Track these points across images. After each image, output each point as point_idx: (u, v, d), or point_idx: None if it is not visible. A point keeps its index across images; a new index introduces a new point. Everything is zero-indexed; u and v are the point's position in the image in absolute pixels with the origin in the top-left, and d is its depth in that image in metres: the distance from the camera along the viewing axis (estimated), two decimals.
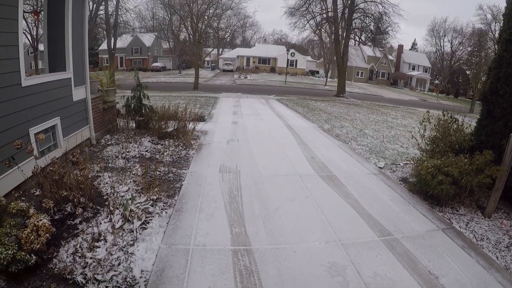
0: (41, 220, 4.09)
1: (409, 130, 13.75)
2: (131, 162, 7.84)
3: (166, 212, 5.53)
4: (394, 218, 5.88)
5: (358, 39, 36.09)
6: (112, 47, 34.34)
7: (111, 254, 4.31)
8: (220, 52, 72.84)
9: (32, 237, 3.85)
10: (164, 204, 5.80)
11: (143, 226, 5.04)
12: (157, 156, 8.36)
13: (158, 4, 41.64)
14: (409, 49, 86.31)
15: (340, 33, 31.87)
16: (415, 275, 4.29)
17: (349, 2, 31.04)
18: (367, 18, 32.28)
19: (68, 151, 6.57)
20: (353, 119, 17.16)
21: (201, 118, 13.22)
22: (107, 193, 5.94)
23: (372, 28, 32.63)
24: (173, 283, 3.86)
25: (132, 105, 10.32)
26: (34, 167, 5.02)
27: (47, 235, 4.08)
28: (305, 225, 5.41)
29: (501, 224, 6.12)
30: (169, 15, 37.04)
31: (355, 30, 33.22)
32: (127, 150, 8.51)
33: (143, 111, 10.38)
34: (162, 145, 9.29)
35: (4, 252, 3.53)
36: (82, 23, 8.21)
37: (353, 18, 31.80)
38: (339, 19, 31.69)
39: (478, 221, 6.12)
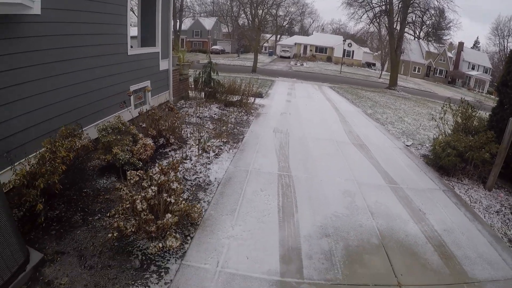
0: (147, 140, 6.31)
1: (431, 113, 14.83)
2: (203, 120, 10.02)
3: (232, 151, 7.66)
4: (405, 176, 7.57)
5: (414, 34, 36.37)
6: (178, 29, 37.07)
7: (195, 167, 6.50)
8: (278, 39, 74.00)
9: (142, 150, 6.01)
10: (231, 146, 7.92)
11: (216, 156, 7.18)
12: (224, 118, 10.49)
13: None
14: (471, 48, 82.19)
15: (394, 27, 32.49)
16: (407, 208, 6.00)
17: None
18: (427, 12, 32.59)
19: (152, 107, 8.81)
20: (397, 108, 18.46)
21: (259, 95, 15.23)
22: (187, 136, 8.10)
23: (429, 23, 32.84)
24: (236, 185, 5.94)
25: (203, 78, 12.61)
26: (140, 110, 7.35)
27: (151, 150, 6.27)
28: (333, 169, 7.34)
29: (498, 196, 7.47)
30: (229, 1, 38.95)
31: (410, 24, 33.61)
32: (200, 112, 10.74)
33: (212, 84, 12.63)
34: (227, 111, 11.48)
35: (124, 156, 5.60)
36: (168, 7, 10.37)
37: (408, 12, 32.25)
38: (394, 12, 32.33)
39: (477, 191, 7.51)
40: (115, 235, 3.64)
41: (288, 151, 8.11)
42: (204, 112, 10.89)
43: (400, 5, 32.02)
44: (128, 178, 3.98)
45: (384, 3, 32.76)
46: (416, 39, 38.78)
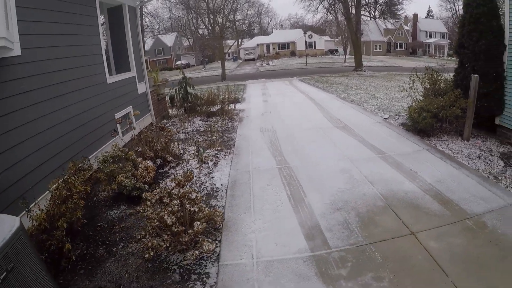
0: (148, 163, 6.63)
1: (401, 85, 15.51)
2: (190, 134, 10.35)
3: (228, 156, 8.04)
4: (390, 145, 8.13)
5: (370, 15, 37.55)
6: None
7: (199, 178, 6.84)
8: (240, 43, 74.85)
9: (144, 173, 6.30)
10: (225, 153, 8.29)
11: (215, 164, 7.54)
12: (209, 129, 10.83)
13: (174, 5, 44.06)
14: (425, 17, 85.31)
15: (350, 11, 33.49)
16: (399, 171, 6.57)
17: None
18: None
19: (141, 130, 9.04)
20: (367, 87, 19.14)
21: (236, 100, 15.61)
22: (180, 152, 8.40)
23: (382, 1, 34.03)
24: (243, 186, 6.33)
25: (181, 94, 12.95)
26: (132, 135, 7.68)
27: (153, 172, 6.59)
28: (324, 153, 7.82)
29: (475, 143, 8.23)
30: (185, 13, 39.32)
31: (364, 6, 34.73)
32: (185, 127, 11.06)
33: (189, 98, 12.97)
34: (211, 121, 11.84)
35: (130, 182, 5.84)
36: (137, 31, 10.64)
37: None
38: None
39: (457, 143, 8.22)
40: (151, 254, 3.88)
41: (280, 145, 8.53)
42: (188, 126, 11.22)
43: None
44: (150, 198, 4.25)
45: None
46: (373, 19, 39.96)
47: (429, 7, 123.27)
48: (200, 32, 44.31)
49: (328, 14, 37.31)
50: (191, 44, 73.50)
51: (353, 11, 33.76)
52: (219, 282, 3.80)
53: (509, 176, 6.25)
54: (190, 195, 4.29)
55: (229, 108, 13.04)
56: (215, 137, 9.61)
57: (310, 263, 4.01)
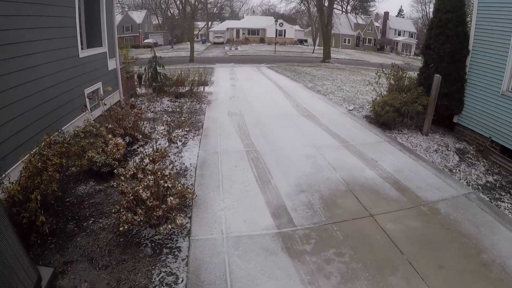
0: (118, 140, 6.66)
1: (367, 79, 16.18)
2: (158, 114, 10.35)
3: (196, 138, 8.15)
4: (353, 135, 8.54)
5: (342, 9, 38.21)
6: None
7: (168, 157, 6.93)
8: (210, 26, 74.09)
9: (114, 150, 6.32)
10: (194, 134, 8.40)
11: (183, 145, 7.64)
12: (178, 109, 10.85)
13: None
14: (396, 16, 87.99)
15: (323, 3, 33.93)
16: (361, 159, 6.99)
17: None
18: None
19: (110, 107, 8.99)
20: (334, 79, 19.61)
21: (204, 83, 15.59)
22: (149, 132, 8.44)
23: None
24: (211, 166, 6.49)
25: (150, 73, 12.83)
26: (102, 111, 7.63)
27: (123, 149, 6.63)
28: (290, 138, 8.12)
29: (434, 138, 8.80)
30: None
31: (338, 0, 35.33)
32: (154, 107, 11.04)
33: (158, 78, 12.88)
34: (179, 102, 11.83)
35: (100, 158, 5.87)
36: (112, 6, 10.37)
37: None
38: None
39: (416, 137, 8.79)
40: (125, 227, 3.97)
41: (247, 130, 8.73)
42: (157, 106, 11.19)
43: None
44: (124, 173, 4.34)
45: None
46: (345, 13, 40.67)
47: (401, 6, 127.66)
48: (171, 12, 43.41)
49: (302, 4, 37.61)
50: (160, 23, 71.85)
51: (326, 4, 34.21)
52: (191, 256, 3.97)
53: (463, 170, 6.82)
54: (163, 171, 4.42)
55: (198, 90, 13.06)
56: (183, 118, 9.66)
57: (277, 239, 4.27)
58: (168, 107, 11.26)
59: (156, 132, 8.39)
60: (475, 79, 8.47)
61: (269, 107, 11.44)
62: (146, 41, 62.33)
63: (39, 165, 4.17)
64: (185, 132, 8.36)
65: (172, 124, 8.84)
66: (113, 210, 4.22)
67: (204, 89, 13.52)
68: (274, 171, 6.27)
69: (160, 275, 3.70)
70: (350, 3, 37.07)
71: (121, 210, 4.08)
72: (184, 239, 4.29)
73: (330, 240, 4.29)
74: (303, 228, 4.52)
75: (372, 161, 6.88)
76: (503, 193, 5.95)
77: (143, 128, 8.18)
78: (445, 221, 4.84)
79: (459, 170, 6.87)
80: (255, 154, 7.06)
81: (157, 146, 7.41)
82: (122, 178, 4.31)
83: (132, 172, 4.39)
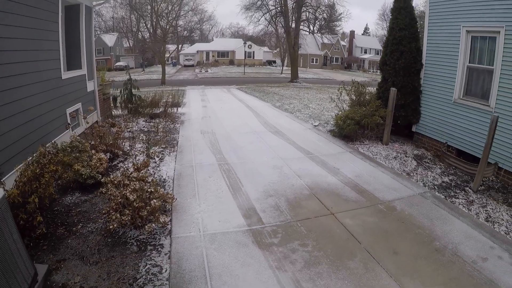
0: (101, 155, 7.19)
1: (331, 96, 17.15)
2: (135, 133, 10.84)
3: (172, 154, 8.72)
4: (318, 148, 9.34)
5: (309, 30, 39.89)
6: None
7: (148, 170, 7.46)
8: (180, 48, 74.80)
9: (98, 164, 6.85)
10: (170, 150, 8.96)
11: (161, 160, 8.20)
12: (153, 129, 11.39)
13: (119, 4, 43.57)
14: (362, 34, 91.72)
15: (290, 25, 35.40)
16: (324, 167, 7.76)
17: None
18: (318, 9, 36.22)
19: (87, 127, 9.41)
20: (301, 98, 20.62)
21: (177, 105, 16.16)
22: (128, 149, 8.96)
23: (321, 18, 36.51)
24: (187, 177, 7.09)
25: (125, 95, 13.37)
26: (85, 129, 8.13)
27: (106, 163, 7.16)
28: (259, 152, 8.83)
29: (393, 147, 9.68)
30: (129, 14, 39.02)
31: (304, 21, 36.96)
32: (130, 127, 11.53)
33: (133, 99, 13.42)
34: (154, 122, 12.37)
35: (85, 171, 6.39)
36: (90, 30, 10.86)
37: (302, 11, 35.51)
38: (289, 13, 35.32)
39: (377, 147, 9.65)
40: (115, 226, 4.52)
41: (219, 146, 9.37)
42: (133, 126, 11.68)
43: (294, 6, 34.98)
44: (112, 180, 4.92)
45: (279, 5, 35.54)
46: (311, 34, 42.37)
47: (367, 24, 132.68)
48: (142, 35, 43.99)
49: (269, 26, 39.02)
50: (131, 46, 72.07)
51: (293, 25, 35.67)
52: (173, 250, 4.53)
53: (420, 173, 7.72)
54: (147, 178, 5.01)
55: (172, 111, 13.67)
56: (158, 137, 10.21)
57: (248, 235, 4.92)
58: (144, 127, 11.78)
59: (134, 149, 8.89)
60: (429, 90, 9.51)
61: (239, 125, 12.14)
62: (117, 64, 62.22)
63: (37, 171, 4.68)
64: (162, 149, 8.93)
65: (150, 141, 9.39)
66: (103, 211, 4.77)
67: (177, 110, 14.17)
68: (244, 180, 6.93)
69: (146, 267, 4.23)
70: (317, 24, 38.65)
71: (111, 211, 4.62)
72: (166, 238, 4.84)
73: (295, 234, 4.97)
74: (271, 225, 5.19)
75: (334, 169, 7.66)
76: (457, 191, 6.79)
77: (122, 145, 8.69)
78: (400, 216, 5.61)
79: (416, 173, 7.74)
80: (227, 167, 7.70)
81: (136, 161, 7.93)
82: (109, 185, 4.88)
83: (119, 179, 4.95)
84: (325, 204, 5.91)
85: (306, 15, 37.14)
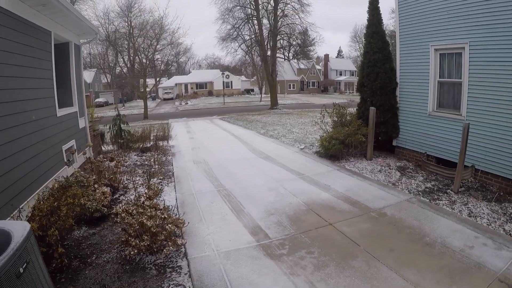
0: (104, 188, 7.54)
1: (315, 120, 17.88)
2: (129, 168, 11.19)
3: (171, 184, 9.11)
4: (307, 168, 9.90)
5: (284, 57, 41.24)
6: None
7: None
8: (158, 82, 75.45)
9: (102, 197, 7.20)
10: (167, 181, 9.34)
11: (161, 190, 8.56)
12: (146, 162, 11.76)
13: (95, 40, 44.02)
14: (336, 57, 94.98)
15: (267, 54, 36.63)
16: (316, 185, 8.32)
17: (272, 27, 36.16)
18: (292, 36, 37.73)
19: (83, 163, 9.73)
20: (284, 124, 21.39)
21: (165, 138, 16.59)
22: (126, 183, 9.29)
23: (296, 44, 37.98)
24: (190, 204, 7.47)
25: (115, 131, 13.73)
26: (86, 164, 8.48)
27: (109, 197, 7.50)
28: (253, 177, 9.32)
29: (377, 161, 10.35)
30: (105, 50, 39.56)
31: (280, 49, 38.34)
32: (124, 161, 11.86)
33: (123, 134, 13.79)
34: (146, 156, 12.74)
35: (92, 205, 6.68)
36: (80, 68, 11.15)
37: (277, 39, 36.90)
38: (265, 42, 36.65)
39: (362, 163, 10.32)
40: (135, 251, 4.84)
41: (214, 174, 9.81)
42: (126, 161, 12.01)
43: (269, 34, 36.35)
44: (126, 209, 5.30)
45: (254, 35, 36.83)
46: (287, 60, 43.78)
47: (340, 47, 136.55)
48: (121, 69, 44.45)
49: (246, 56, 40.20)
50: (109, 81, 72.29)
51: (269, 53, 36.88)
52: (192, 269, 4.89)
53: (404, 182, 8.42)
54: (158, 206, 5.41)
55: (161, 144, 14.08)
56: (153, 169, 10.58)
57: (259, 249, 5.36)
58: (137, 161, 12.12)
59: (133, 182, 9.23)
60: (405, 105, 10.35)
61: (229, 154, 12.63)
62: (97, 100, 61.78)
63: (55, 204, 5.00)
64: (160, 180, 9.30)
65: (144, 175, 9.75)
66: (123, 239, 5.07)
67: (167, 143, 14.60)
68: (245, 203, 7.38)
69: (170, 287, 4.57)
70: (292, 50, 40.09)
71: (129, 238, 4.97)
72: (182, 260, 5.18)
73: (300, 245, 5.46)
74: (278, 239, 5.66)
75: (326, 186, 8.25)
76: (440, 194, 7.52)
77: (120, 179, 9.02)
78: (391, 220, 6.25)
79: (401, 182, 8.42)
80: (225, 192, 8.13)
81: (137, 193, 8.28)
82: (124, 214, 5.25)
83: (133, 208, 5.33)
84: (323, 217, 6.46)
85: (281, 43, 38.61)
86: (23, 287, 2.99)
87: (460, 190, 7.60)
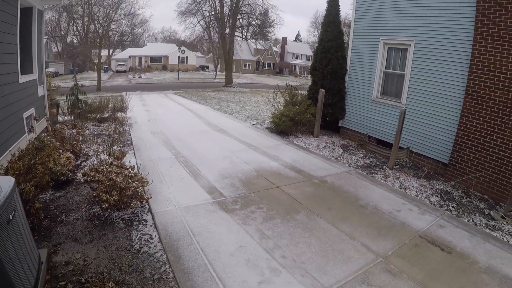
0: (68, 154, 8.00)
1: (268, 99, 18.83)
2: (87, 137, 11.50)
3: (130, 151, 9.61)
4: (258, 141, 10.82)
5: (242, 36, 41.62)
6: None
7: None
8: (111, 54, 73.23)
9: (67, 162, 7.68)
10: (126, 149, 9.82)
11: (123, 155, 9.10)
12: (104, 132, 12.10)
13: (59, 6, 42.03)
14: (294, 40, 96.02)
15: (226, 32, 36.87)
16: (266, 156, 9.26)
17: (233, 5, 36.36)
18: (252, 16, 38.09)
19: (40, 133, 9.92)
20: (238, 101, 22.18)
21: (122, 109, 16.77)
22: (86, 150, 9.68)
23: (255, 24, 38.41)
24: (151, 168, 8.05)
25: (71, 101, 13.86)
26: (44, 132, 8.81)
27: (74, 162, 7.97)
28: (209, 147, 10.09)
29: (323, 139, 11.39)
30: (57, 16, 37.97)
31: (240, 28, 38.67)
32: (82, 131, 12.15)
33: (80, 105, 13.96)
34: (104, 126, 13.05)
35: (58, 168, 7.14)
36: (41, 35, 10.93)
37: (237, 18, 37.18)
38: (225, 19, 36.81)
39: (309, 139, 11.36)
40: (106, 205, 5.39)
41: (172, 143, 10.46)
42: (84, 130, 12.29)
43: (230, 12, 36.62)
44: (96, 167, 5.89)
45: (215, 12, 36.93)
46: (245, 39, 44.10)
47: (299, 31, 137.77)
48: (70, 39, 42.86)
49: (205, 32, 40.17)
50: (59, 50, 69.21)
51: (228, 31, 37.13)
52: (157, 221, 5.60)
53: (345, 157, 9.55)
54: (125, 165, 6.05)
55: (118, 115, 14.39)
56: (112, 138, 11.00)
57: (215, 205, 6.22)
58: (95, 130, 12.40)
59: (92, 150, 9.65)
60: (352, 91, 11.48)
61: (185, 126, 13.28)
62: (47, 70, 58.29)
63: (32, 162, 5.48)
64: (120, 148, 9.79)
65: (112, 139, 10.18)
66: (94, 194, 5.66)
67: (123, 114, 14.86)
68: (201, 168, 8.17)
69: (138, 236, 5.23)
70: (250, 30, 40.54)
71: (100, 194, 5.57)
72: (147, 214, 5.86)
73: (251, 202, 6.39)
74: (231, 197, 6.56)
75: (275, 157, 9.25)
76: (376, 169, 8.71)
77: (81, 147, 9.43)
78: (331, 186, 7.37)
79: (343, 157, 9.55)
80: (183, 159, 8.85)
81: (99, 159, 8.76)
82: (93, 173, 5.85)
83: (102, 167, 5.93)
84: (271, 181, 7.43)
85: (240, 22, 39.00)
86: (11, 232, 3.32)
87: (395, 167, 8.85)
